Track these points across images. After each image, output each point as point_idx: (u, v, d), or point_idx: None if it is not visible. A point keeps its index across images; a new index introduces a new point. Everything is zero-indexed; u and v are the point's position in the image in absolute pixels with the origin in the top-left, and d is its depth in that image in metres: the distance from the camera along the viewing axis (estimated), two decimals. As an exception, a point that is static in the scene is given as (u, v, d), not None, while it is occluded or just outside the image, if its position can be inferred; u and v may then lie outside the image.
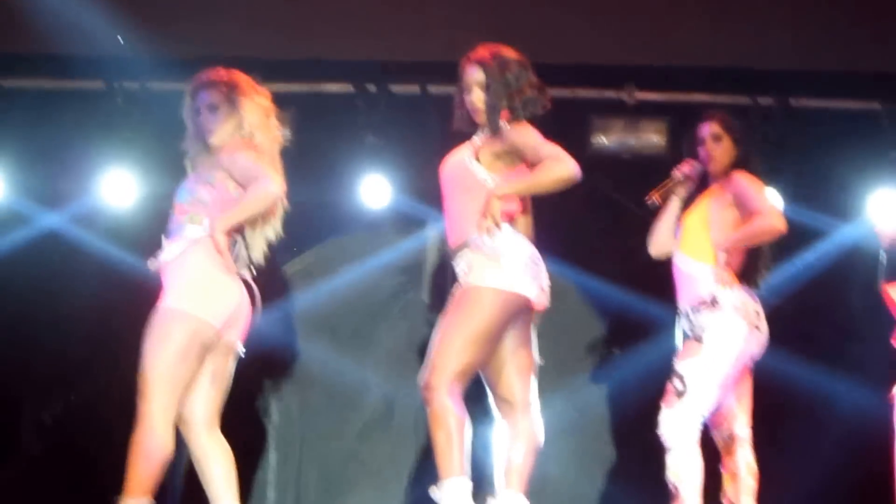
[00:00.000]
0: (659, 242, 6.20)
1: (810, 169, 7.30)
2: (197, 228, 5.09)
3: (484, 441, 5.21)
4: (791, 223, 7.16)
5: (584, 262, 7.39)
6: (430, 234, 7.65)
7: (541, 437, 5.19)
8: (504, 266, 5.05)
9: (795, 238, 7.21)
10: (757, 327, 5.83)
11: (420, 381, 5.00)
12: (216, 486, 5.08)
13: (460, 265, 5.17)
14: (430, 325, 5.11)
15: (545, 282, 5.19)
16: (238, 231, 5.16)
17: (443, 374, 4.95)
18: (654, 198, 6.08)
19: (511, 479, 5.12)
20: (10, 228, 7.41)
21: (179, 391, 4.97)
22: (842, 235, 7.43)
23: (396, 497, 7.49)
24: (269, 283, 5.39)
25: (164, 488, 5.06)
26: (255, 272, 5.23)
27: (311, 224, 7.16)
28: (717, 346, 5.75)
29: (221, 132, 5.22)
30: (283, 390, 7.66)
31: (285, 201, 5.24)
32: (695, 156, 6.13)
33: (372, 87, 7.39)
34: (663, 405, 5.77)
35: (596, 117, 7.39)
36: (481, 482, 5.11)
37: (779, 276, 6.89)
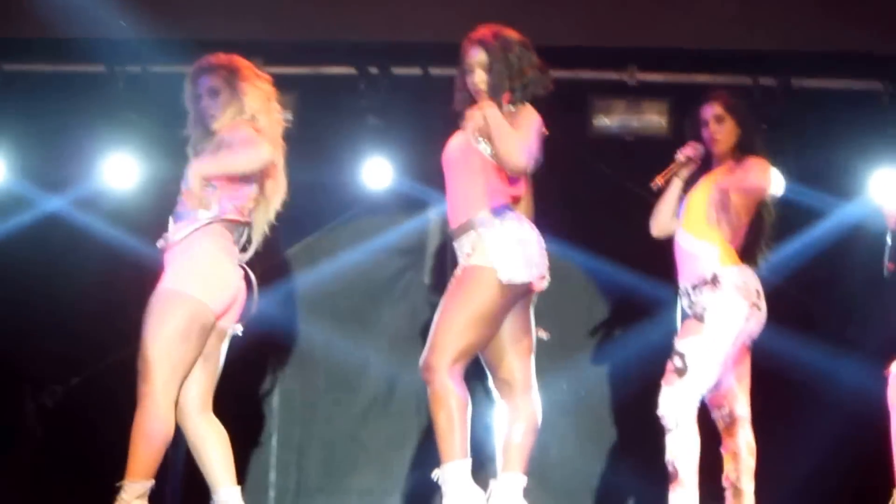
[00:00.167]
0: (661, 223, 6.20)
1: (812, 149, 7.28)
2: (206, 213, 5.09)
3: (485, 422, 5.22)
4: (793, 203, 7.21)
5: (585, 242, 7.38)
6: (432, 215, 7.65)
7: (540, 417, 5.21)
8: (505, 248, 5.06)
9: (797, 217, 7.23)
10: (757, 306, 5.84)
11: (421, 362, 5.02)
12: (214, 470, 5.06)
13: (462, 247, 5.17)
14: (432, 306, 5.12)
15: (546, 263, 5.19)
16: (246, 219, 5.18)
17: (443, 354, 4.95)
18: (657, 182, 6.09)
19: (511, 459, 5.13)
20: (12, 212, 7.40)
21: (180, 372, 4.97)
22: (843, 215, 7.43)
23: (398, 478, 7.50)
24: (271, 264, 5.39)
25: (164, 470, 5.06)
26: (254, 255, 5.25)
27: (313, 206, 7.17)
28: (718, 325, 5.76)
29: (223, 117, 5.22)
30: (284, 372, 7.67)
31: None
32: (698, 137, 6.13)
33: (374, 69, 7.37)
34: (663, 384, 5.78)
35: (597, 98, 7.38)
36: (482, 463, 5.11)
37: (780, 254, 6.91)
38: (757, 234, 6.04)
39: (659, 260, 6.26)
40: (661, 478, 5.76)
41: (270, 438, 7.58)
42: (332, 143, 7.41)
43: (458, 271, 5.16)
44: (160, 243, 5.12)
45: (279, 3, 7.07)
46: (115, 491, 4.89)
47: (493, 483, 5.12)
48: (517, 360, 5.20)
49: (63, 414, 7.32)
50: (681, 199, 6.13)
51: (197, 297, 4.98)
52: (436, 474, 4.94)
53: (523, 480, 5.12)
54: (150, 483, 4.91)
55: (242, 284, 5.17)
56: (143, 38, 6.89)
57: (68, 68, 7.31)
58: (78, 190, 7.43)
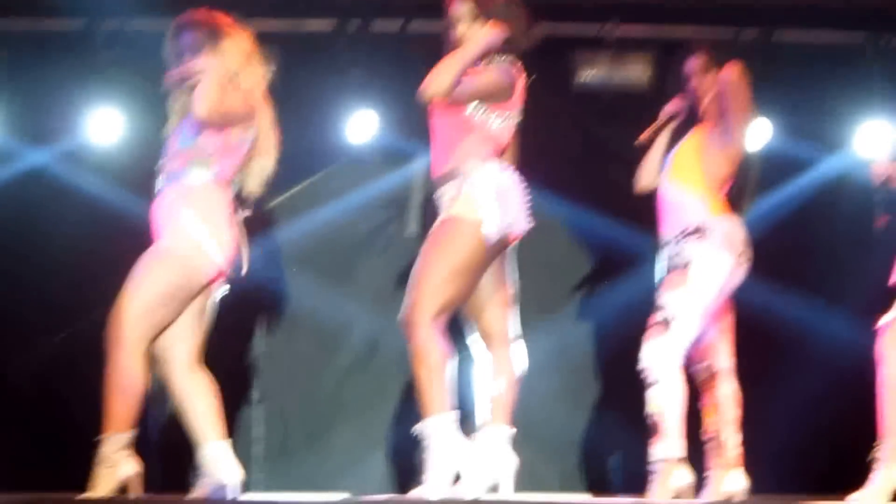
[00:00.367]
0: (646, 177, 6.20)
1: (795, 101, 7.28)
2: (203, 172, 5.08)
3: (465, 376, 5.22)
4: (777, 155, 7.21)
5: (568, 195, 7.37)
6: (416, 168, 7.62)
7: (522, 368, 5.21)
8: (489, 199, 5.04)
9: (781, 169, 7.23)
10: (742, 258, 5.84)
11: (401, 316, 5.01)
12: (200, 422, 5.04)
13: (446, 192, 5.15)
14: (415, 259, 5.10)
15: (527, 213, 5.18)
16: (240, 177, 5.18)
17: (424, 309, 4.94)
18: (643, 139, 6.10)
19: (496, 411, 5.15)
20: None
21: (157, 331, 4.97)
22: (827, 167, 7.44)
23: (381, 432, 7.51)
24: (254, 217, 5.38)
25: (144, 421, 5.06)
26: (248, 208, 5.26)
27: (297, 160, 7.12)
28: (702, 277, 5.76)
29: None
30: (267, 326, 7.66)
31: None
32: (682, 91, 6.12)
33: (355, 22, 7.34)
34: (648, 337, 5.79)
35: (579, 53, 7.36)
36: (465, 417, 5.12)
37: (764, 206, 6.93)
38: (742, 185, 6.04)
39: (642, 213, 6.26)
40: (645, 431, 5.78)
41: (253, 393, 7.59)
42: (314, 97, 7.38)
43: (438, 220, 5.14)
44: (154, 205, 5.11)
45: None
46: (95, 446, 4.89)
47: (477, 435, 5.13)
48: (497, 311, 5.21)
49: (48, 370, 7.30)
50: (666, 153, 6.13)
51: (190, 257, 4.97)
52: (417, 429, 4.95)
53: (509, 432, 5.14)
54: (130, 434, 4.91)
55: (235, 245, 5.16)
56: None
57: (46, 24, 7.26)
58: (61, 144, 7.40)
